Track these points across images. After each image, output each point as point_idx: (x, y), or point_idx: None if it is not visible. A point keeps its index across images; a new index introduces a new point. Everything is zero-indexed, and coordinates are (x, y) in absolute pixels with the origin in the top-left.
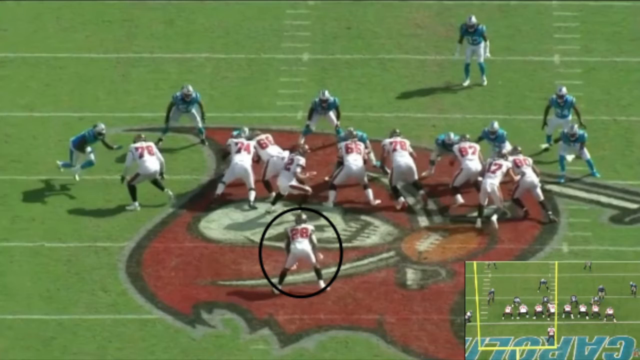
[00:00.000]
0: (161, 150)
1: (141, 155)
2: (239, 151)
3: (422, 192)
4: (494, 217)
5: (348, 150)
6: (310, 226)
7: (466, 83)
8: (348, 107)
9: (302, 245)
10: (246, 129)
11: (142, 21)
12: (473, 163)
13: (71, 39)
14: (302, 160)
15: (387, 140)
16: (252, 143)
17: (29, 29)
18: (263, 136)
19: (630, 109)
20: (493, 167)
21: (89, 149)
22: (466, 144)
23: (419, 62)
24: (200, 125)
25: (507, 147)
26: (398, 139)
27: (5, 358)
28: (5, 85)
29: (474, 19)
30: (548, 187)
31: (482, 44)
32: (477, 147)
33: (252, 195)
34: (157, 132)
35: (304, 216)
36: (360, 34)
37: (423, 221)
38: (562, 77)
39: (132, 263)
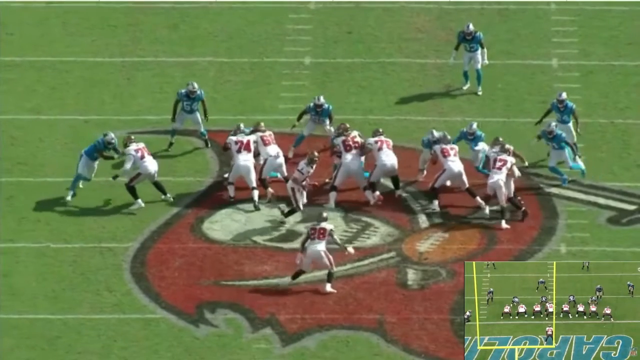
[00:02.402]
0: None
1: (142, 157)
2: (239, 150)
3: (398, 192)
4: (503, 223)
5: (347, 148)
6: (329, 226)
7: (466, 87)
8: (349, 110)
9: (317, 246)
10: (241, 125)
11: (146, 26)
12: (455, 164)
13: (77, 43)
14: (302, 167)
15: (372, 139)
16: (253, 138)
17: (35, 33)
18: (267, 133)
19: (628, 111)
20: (498, 164)
21: (96, 163)
22: (447, 145)
23: (420, 66)
24: (202, 129)
25: (485, 147)
26: (382, 137)
27: (11, 357)
28: (12, 89)
29: (471, 27)
30: (548, 189)
31: (479, 51)
32: (456, 147)
33: (256, 194)
34: (162, 135)
35: (324, 214)
36: (361, 38)
37: (423, 222)
38: (561, 81)
39: (137, 263)
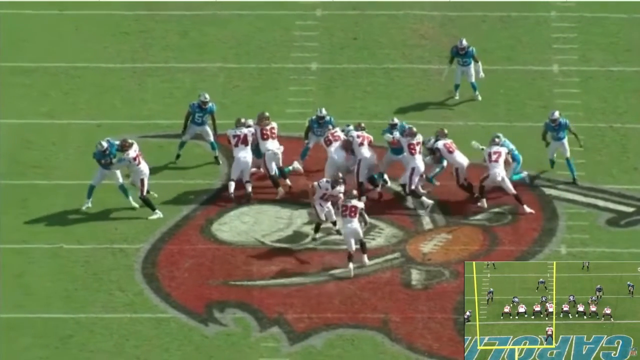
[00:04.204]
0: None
1: (139, 163)
2: (237, 145)
3: (378, 189)
4: (526, 207)
5: (327, 143)
6: (360, 204)
7: (457, 97)
8: (354, 115)
9: (353, 225)
10: (250, 122)
11: (157, 32)
12: (420, 162)
13: (89, 49)
14: (327, 187)
15: (355, 133)
16: (251, 131)
17: (49, 40)
18: (268, 127)
19: (626, 116)
20: (494, 156)
21: (118, 173)
22: (414, 140)
23: (423, 72)
24: (212, 139)
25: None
26: (365, 133)
27: (26, 355)
28: (26, 94)
29: (464, 42)
30: (548, 191)
31: (472, 66)
32: (422, 141)
33: (249, 187)
34: (172, 139)
35: (354, 191)
36: (366, 45)
37: (427, 224)
38: (561, 86)
39: (148, 264)
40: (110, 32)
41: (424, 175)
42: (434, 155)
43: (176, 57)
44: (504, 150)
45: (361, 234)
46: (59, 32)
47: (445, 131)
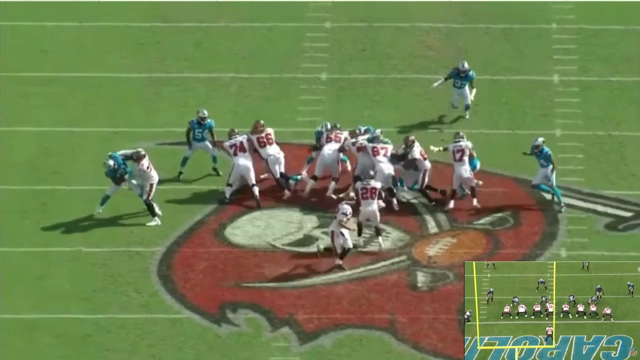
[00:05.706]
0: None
1: (150, 170)
2: (236, 153)
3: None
4: (475, 201)
5: (327, 140)
6: (378, 185)
7: (457, 105)
8: (363, 123)
9: (371, 207)
10: (235, 130)
11: (172, 44)
12: (386, 166)
13: (107, 60)
14: (346, 210)
15: (351, 141)
16: (245, 137)
17: (69, 51)
18: (264, 133)
19: (624, 124)
20: (457, 155)
21: (134, 181)
22: (379, 145)
23: (429, 81)
24: (214, 153)
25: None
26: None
27: (46, 354)
28: (47, 103)
29: (466, 65)
30: (548, 196)
31: (467, 88)
32: (389, 147)
33: (257, 190)
34: (186, 146)
35: (371, 172)
36: (374, 55)
37: (432, 228)
38: (561, 96)
39: (163, 266)
40: (127, 43)
41: (414, 187)
42: (405, 161)
43: (190, 67)
44: (465, 145)
45: (378, 217)
46: (78, 43)
47: (412, 137)
